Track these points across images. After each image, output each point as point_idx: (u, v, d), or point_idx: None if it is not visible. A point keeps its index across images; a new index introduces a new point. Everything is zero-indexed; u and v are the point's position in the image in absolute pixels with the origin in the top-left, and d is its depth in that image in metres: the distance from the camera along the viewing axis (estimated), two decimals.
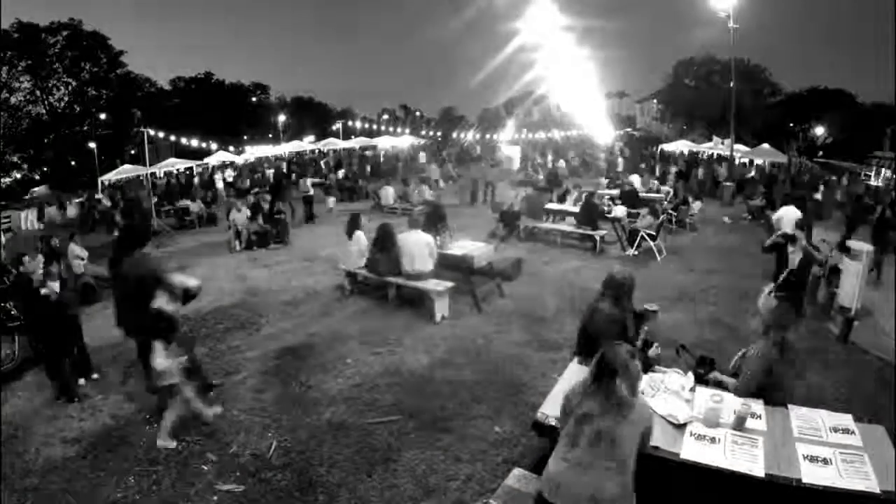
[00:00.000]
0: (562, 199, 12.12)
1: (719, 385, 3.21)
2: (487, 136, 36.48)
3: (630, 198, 11.95)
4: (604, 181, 15.65)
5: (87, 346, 5.22)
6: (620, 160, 22.26)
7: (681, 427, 2.74)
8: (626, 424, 2.24)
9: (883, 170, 22.03)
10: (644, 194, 12.91)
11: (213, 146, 25.28)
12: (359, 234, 7.11)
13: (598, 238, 9.51)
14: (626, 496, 2.20)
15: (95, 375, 5.12)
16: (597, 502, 2.15)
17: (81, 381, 4.94)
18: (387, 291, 6.98)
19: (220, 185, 19.38)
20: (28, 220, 16.95)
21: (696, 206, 12.24)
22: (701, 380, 3.28)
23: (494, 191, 14.74)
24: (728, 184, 16.44)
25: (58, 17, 34.74)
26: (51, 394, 4.84)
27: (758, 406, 2.91)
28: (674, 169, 18.18)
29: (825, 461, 2.48)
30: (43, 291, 4.88)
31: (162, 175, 22.90)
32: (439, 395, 4.53)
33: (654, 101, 43.88)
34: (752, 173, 19.39)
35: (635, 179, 14.47)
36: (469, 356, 5.30)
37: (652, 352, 3.51)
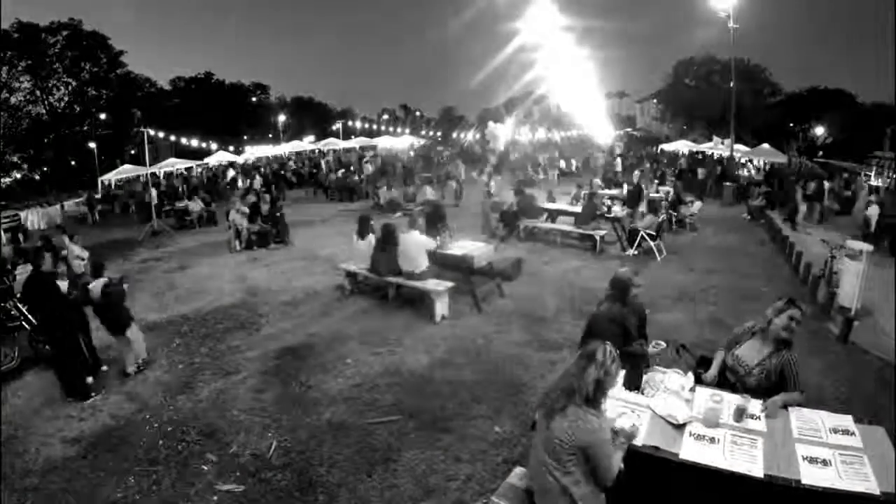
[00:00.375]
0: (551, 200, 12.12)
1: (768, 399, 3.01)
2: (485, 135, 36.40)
3: (634, 197, 11.94)
4: (597, 181, 15.58)
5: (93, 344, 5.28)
6: (619, 160, 22.25)
7: (680, 427, 2.74)
8: (566, 430, 2.24)
9: (884, 170, 22.02)
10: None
11: (214, 146, 25.26)
12: (370, 236, 7.11)
13: (598, 238, 9.51)
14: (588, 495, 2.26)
15: (105, 367, 5.16)
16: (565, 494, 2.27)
17: (90, 379, 4.96)
18: (387, 291, 6.99)
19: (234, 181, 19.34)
20: (29, 220, 16.94)
21: (696, 206, 12.24)
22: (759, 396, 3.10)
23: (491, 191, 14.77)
24: (728, 184, 16.45)
25: (58, 17, 34.71)
26: (51, 393, 4.85)
27: (757, 406, 2.91)
28: (669, 170, 18.21)
29: (825, 462, 2.48)
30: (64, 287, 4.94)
31: (162, 175, 22.90)
32: (439, 395, 4.54)
33: (654, 101, 43.87)
34: (752, 172, 19.38)
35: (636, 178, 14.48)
36: (469, 356, 5.30)
37: (651, 349, 3.51)
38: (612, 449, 2.29)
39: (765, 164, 21.68)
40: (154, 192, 14.98)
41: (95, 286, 5.07)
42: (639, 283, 3.58)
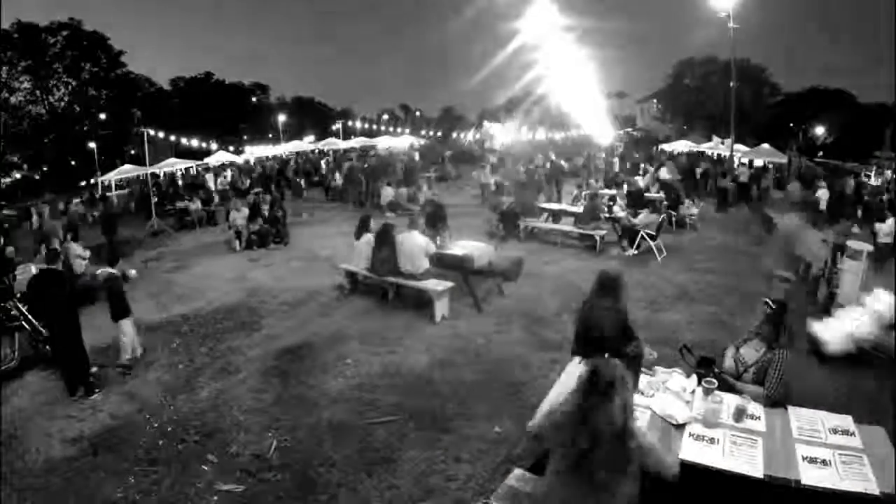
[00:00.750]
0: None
1: (733, 391, 3.11)
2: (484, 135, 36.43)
3: (635, 198, 11.94)
4: (593, 181, 15.57)
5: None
6: (617, 159, 22.24)
7: (680, 427, 2.74)
8: (614, 446, 2.03)
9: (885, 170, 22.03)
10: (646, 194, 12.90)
11: (214, 146, 25.27)
12: (368, 236, 7.11)
13: (598, 238, 9.50)
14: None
15: (94, 369, 5.17)
16: None
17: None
18: (387, 291, 6.99)
19: (211, 185, 19.26)
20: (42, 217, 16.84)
21: (696, 205, 12.23)
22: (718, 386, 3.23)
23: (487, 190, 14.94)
24: (729, 184, 16.41)
25: (58, 17, 34.71)
26: (51, 393, 4.86)
27: (757, 406, 2.91)
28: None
29: (824, 462, 2.48)
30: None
31: (162, 175, 22.91)
32: (439, 396, 4.54)
33: (654, 101, 43.86)
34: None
35: (638, 180, 14.45)
36: (469, 356, 5.30)
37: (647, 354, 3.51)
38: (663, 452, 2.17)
39: (766, 163, 21.68)
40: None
41: (102, 272, 5.52)
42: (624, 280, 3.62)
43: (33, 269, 7.74)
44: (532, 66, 21.58)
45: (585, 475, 2.03)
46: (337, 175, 18.52)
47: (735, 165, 18.72)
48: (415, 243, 6.48)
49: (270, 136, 40.97)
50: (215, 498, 3.42)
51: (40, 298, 5.19)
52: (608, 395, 2.02)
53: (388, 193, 14.98)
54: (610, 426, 2.01)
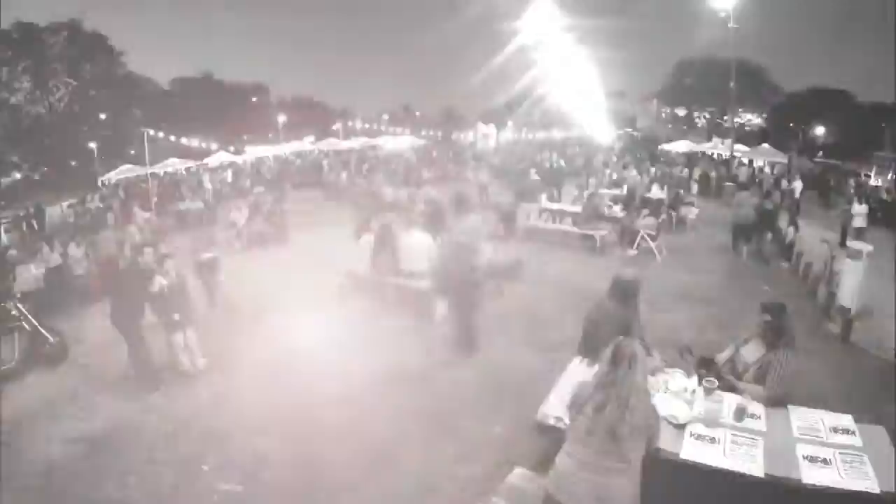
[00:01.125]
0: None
1: (734, 391, 3.09)
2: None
3: (632, 198, 11.93)
4: (593, 181, 15.53)
5: None
6: (615, 158, 22.24)
7: (681, 427, 2.74)
8: (634, 423, 2.22)
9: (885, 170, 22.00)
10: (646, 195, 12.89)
11: (214, 146, 25.26)
12: (367, 237, 7.10)
13: (598, 238, 9.50)
14: (632, 496, 2.20)
15: None
16: (602, 501, 2.15)
17: None
18: (388, 291, 6.97)
19: (208, 185, 19.25)
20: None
21: (694, 210, 12.22)
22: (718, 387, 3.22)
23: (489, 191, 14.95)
24: (729, 184, 16.45)
25: (58, 17, 34.63)
26: (51, 394, 4.88)
27: (757, 406, 2.91)
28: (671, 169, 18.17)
29: (825, 461, 2.48)
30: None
31: (162, 175, 22.92)
32: (439, 395, 4.54)
33: (654, 101, 43.87)
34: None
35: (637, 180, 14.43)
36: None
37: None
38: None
39: (765, 163, 21.68)
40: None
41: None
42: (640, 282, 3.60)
43: (33, 270, 7.76)
44: (533, 66, 21.62)
45: (608, 445, 2.20)
46: (343, 175, 18.50)
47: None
48: (417, 241, 6.47)
49: (270, 136, 40.90)
50: (215, 498, 3.42)
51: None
52: (632, 368, 2.28)
53: (387, 193, 14.97)
54: (635, 395, 2.25)
